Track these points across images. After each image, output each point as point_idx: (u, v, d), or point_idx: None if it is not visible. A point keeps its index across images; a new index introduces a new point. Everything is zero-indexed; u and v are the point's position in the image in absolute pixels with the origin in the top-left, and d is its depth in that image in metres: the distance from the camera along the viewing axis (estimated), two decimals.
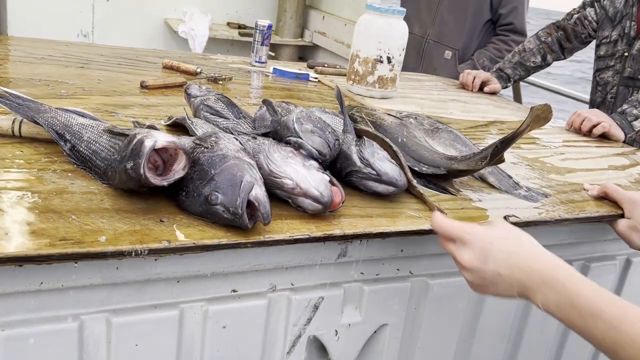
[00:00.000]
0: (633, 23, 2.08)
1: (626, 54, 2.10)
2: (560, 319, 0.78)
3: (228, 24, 4.39)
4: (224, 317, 0.94)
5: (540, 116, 1.09)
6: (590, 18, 2.23)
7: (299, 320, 1.01)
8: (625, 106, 1.86)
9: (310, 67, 2.20)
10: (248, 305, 0.95)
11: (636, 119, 1.81)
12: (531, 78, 3.65)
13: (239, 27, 4.28)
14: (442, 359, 1.21)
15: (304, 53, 4.51)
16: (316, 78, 2.06)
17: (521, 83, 3.64)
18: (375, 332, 1.11)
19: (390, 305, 1.10)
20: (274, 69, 2.04)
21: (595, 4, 2.22)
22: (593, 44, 2.31)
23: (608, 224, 1.22)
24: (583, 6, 2.27)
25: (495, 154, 1.11)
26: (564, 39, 2.32)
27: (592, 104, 2.33)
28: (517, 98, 3.79)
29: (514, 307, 1.25)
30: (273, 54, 4.21)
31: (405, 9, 1.86)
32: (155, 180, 0.84)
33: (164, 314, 0.89)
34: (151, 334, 0.89)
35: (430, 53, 2.85)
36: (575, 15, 2.28)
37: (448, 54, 2.80)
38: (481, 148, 1.19)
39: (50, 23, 3.87)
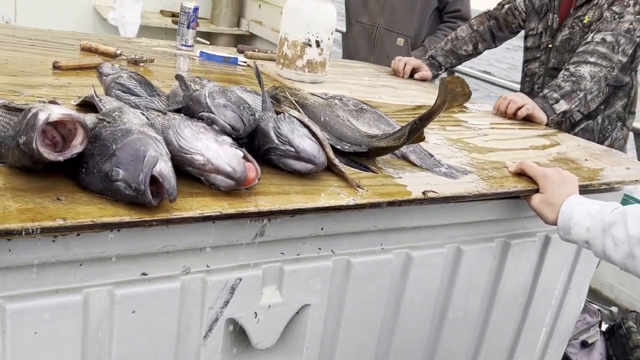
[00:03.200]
0: (556, 16, 2.15)
1: (550, 45, 2.17)
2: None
3: (161, 11, 4.27)
4: (133, 302, 0.89)
5: (456, 90, 1.10)
6: (520, 9, 2.29)
7: (216, 303, 0.98)
8: (546, 90, 1.91)
9: (240, 51, 2.15)
10: (159, 288, 0.91)
11: (557, 102, 1.87)
12: (466, 69, 3.74)
13: (173, 15, 4.16)
14: (366, 338, 1.20)
15: (241, 42, 4.41)
16: (245, 62, 2.01)
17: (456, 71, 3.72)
18: (297, 313, 1.09)
19: (312, 285, 1.08)
20: (201, 52, 1.98)
21: None
22: (521, 34, 2.38)
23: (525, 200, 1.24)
24: None
25: (413, 131, 1.12)
26: (496, 28, 2.36)
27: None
28: None
29: (437, 283, 1.25)
30: (208, 43, 4.12)
31: None
32: (51, 155, 0.78)
33: (66, 299, 0.84)
34: (52, 321, 0.83)
35: (383, 41, 2.86)
36: (507, 6, 2.33)
37: (400, 41, 2.83)
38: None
39: None
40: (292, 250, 1.04)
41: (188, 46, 2.03)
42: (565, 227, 1.12)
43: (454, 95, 1.10)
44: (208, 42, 4.05)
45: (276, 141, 1.02)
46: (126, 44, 1.94)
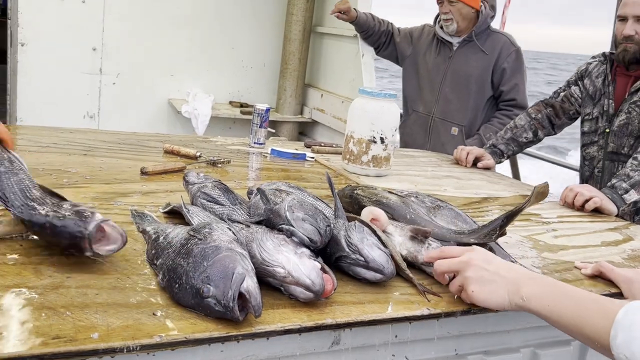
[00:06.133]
0: (611, 101, 2.16)
1: (607, 130, 2.17)
2: (547, 306, 0.92)
3: (230, 102, 4.54)
4: None
5: (540, 192, 1.14)
6: (576, 95, 2.32)
7: None
8: (614, 180, 1.90)
9: (307, 146, 2.26)
10: None
11: (626, 192, 1.84)
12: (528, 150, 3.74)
13: (241, 105, 4.42)
14: None
15: (304, 129, 4.63)
16: (313, 157, 2.11)
17: (517, 156, 3.72)
18: None
19: None
20: (272, 149, 2.10)
21: (579, 82, 2.31)
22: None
23: None
24: (568, 85, 2.37)
25: (501, 228, 1.16)
26: (553, 115, 2.39)
27: (582, 177, 2.37)
28: (515, 170, 3.85)
29: None
30: (274, 131, 4.33)
31: (395, 93, 1.94)
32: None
33: None
34: None
35: (437, 130, 2.94)
36: (562, 94, 2.37)
37: (455, 130, 2.89)
38: (480, 224, 1.25)
39: (59, 106, 4.02)
40: (366, 357, 1.05)
41: (260, 144, 2.16)
42: None
43: (538, 197, 1.15)
44: (274, 130, 4.26)
45: (347, 250, 1.06)
46: (204, 144, 2.08)
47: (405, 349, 1.09)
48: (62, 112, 3.99)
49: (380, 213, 1.22)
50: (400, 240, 1.18)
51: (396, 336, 1.06)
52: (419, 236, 1.16)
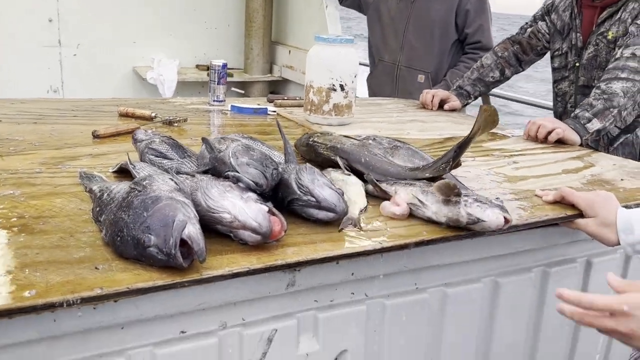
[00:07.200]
0: (579, 34, 2.13)
1: (577, 64, 2.15)
2: None
3: (197, 66, 4.44)
4: None
5: (488, 119, 1.13)
6: (543, 31, 2.28)
7: (254, 356, 1.00)
8: (577, 110, 1.89)
9: (270, 101, 2.23)
10: (198, 345, 0.95)
11: (589, 121, 1.84)
12: (498, 91, 3.72)
13: (208, 68, 4.32)
14: None
15: (275, 87, 4.55)
16: (274, 111, 2.08)
17: (490, 95, 3.70)
18: (335, 359, 1.09)
19: (348, 330, 1.09)
20: (232, 106, 2.06)
21: (546, 17, 2.27)
22: (548, 55, 2.36)
23: (575, 228, 1.22)
24: (534, 20, 2.32)
25: (455, 158, 1.15)
26: (521, 52, 2.36)
27: (555, 114, 2.36)
28: None
29: (476, 318, 1.24)
30: (243, 92, 4.26)
31: (353, 38, 1.90)
32: None
33: None
34: None
35: (404, 78, 2.89)
36: (529, 29, 2.33)
37: (421, 77, 2.84)
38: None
39: (20, 82, 3.90)
40: (325, 297, 1.06)
41: (220, 101, 2.11)
42: (627, 228, 1.12)
43: (487, 124, 1.13)
44: (243, 92, 4.19)
45: (298, 192, 1.05)
46: (161, 105, 2.04)
47: (364, 286, 1.09)
48: (24, 87, 3.87)
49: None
50: (435, 208, 1.09)
51: (352, 274, 1.06)
52: (452, 197, 1.07)
